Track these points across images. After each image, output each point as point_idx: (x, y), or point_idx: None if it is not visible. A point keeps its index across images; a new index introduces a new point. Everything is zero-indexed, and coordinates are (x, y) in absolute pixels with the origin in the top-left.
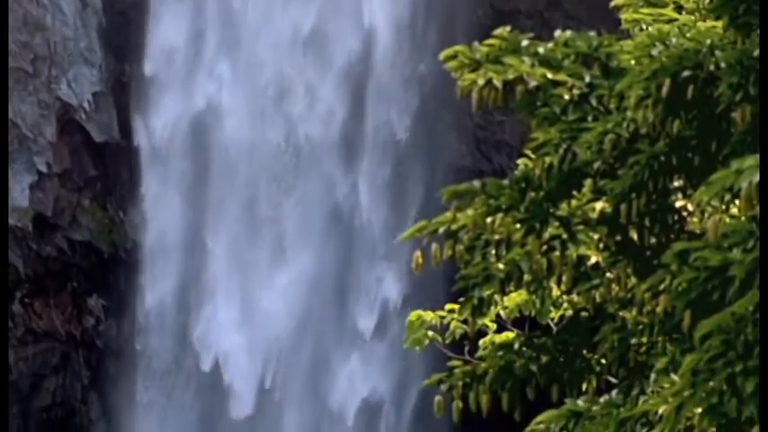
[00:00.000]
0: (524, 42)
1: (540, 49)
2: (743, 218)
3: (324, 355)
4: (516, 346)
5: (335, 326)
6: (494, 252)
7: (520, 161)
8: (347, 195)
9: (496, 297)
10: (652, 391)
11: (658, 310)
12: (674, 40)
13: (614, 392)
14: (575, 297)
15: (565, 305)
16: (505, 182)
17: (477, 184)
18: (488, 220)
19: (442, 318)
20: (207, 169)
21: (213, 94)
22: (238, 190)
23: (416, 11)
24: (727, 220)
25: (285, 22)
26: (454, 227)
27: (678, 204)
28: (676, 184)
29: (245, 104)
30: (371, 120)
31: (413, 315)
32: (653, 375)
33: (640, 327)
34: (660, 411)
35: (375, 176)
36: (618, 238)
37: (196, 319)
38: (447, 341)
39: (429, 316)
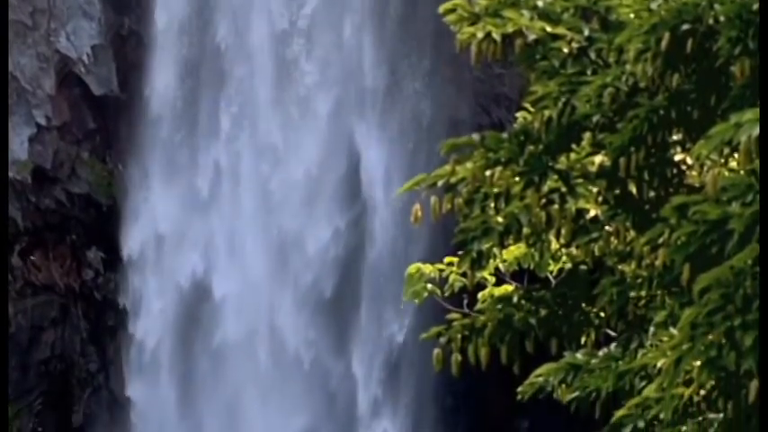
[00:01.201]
0: None
1: (540, 3)
2: (742, 171)
3: None
4: (515, 299)
5: None
6: (493, 205)
7: (519, 114)
8: (341, 379)
9: (495, 250)
10: (651, 345)
11: (657, 263)
12: None
13: (613, 346)
14: (574, 250)
15: (564, 258)
16: (504, 135)
17: (476, 137)
18: (487, 173)
19: (441, 271)
20: (194, 366)
21: (202, 282)
22: (225, 390)
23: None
24: (727, 173)
25: (275, 201)
26: (453, 180)
27: (677, 158)
28: (675, 137)
29: (235, 297)
30: (367, 308)
31: (412, 268)
32: (652, 329)
33: (639, 280)
34: (659, 364)
35: (371, 368)
36: (617, 191)
37: None
38: (446, 294)
39: (428, 269)
